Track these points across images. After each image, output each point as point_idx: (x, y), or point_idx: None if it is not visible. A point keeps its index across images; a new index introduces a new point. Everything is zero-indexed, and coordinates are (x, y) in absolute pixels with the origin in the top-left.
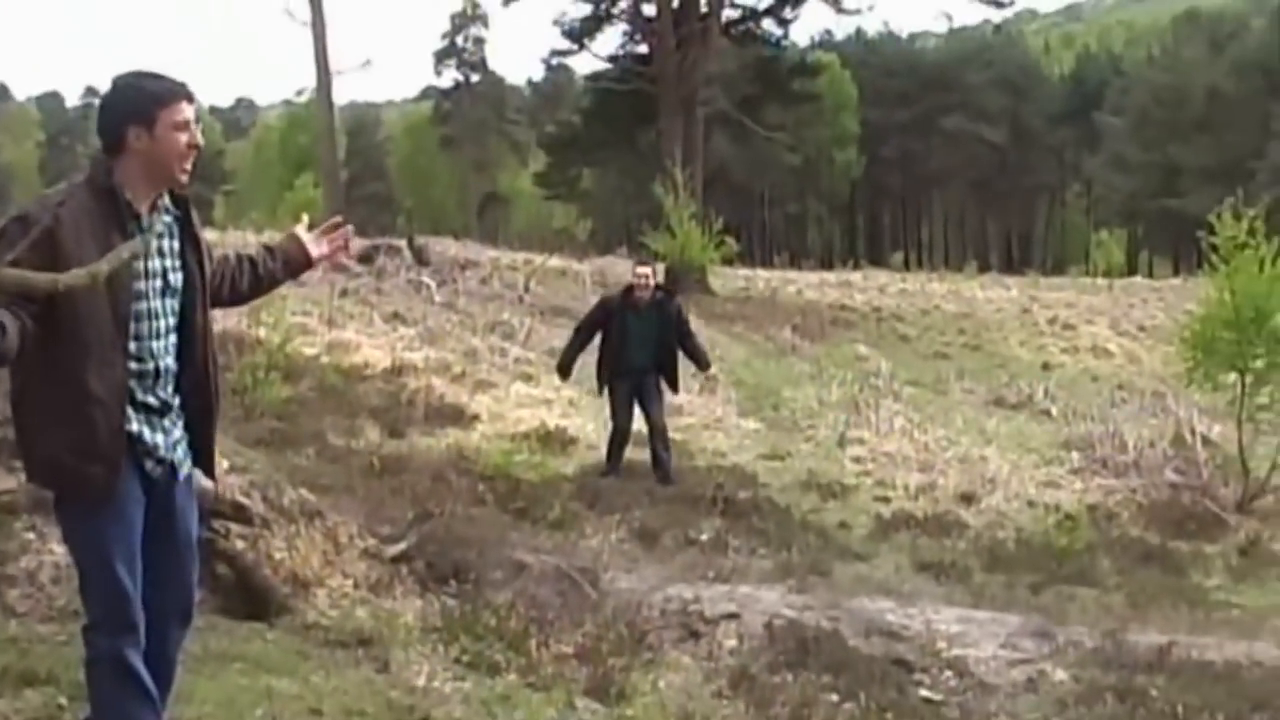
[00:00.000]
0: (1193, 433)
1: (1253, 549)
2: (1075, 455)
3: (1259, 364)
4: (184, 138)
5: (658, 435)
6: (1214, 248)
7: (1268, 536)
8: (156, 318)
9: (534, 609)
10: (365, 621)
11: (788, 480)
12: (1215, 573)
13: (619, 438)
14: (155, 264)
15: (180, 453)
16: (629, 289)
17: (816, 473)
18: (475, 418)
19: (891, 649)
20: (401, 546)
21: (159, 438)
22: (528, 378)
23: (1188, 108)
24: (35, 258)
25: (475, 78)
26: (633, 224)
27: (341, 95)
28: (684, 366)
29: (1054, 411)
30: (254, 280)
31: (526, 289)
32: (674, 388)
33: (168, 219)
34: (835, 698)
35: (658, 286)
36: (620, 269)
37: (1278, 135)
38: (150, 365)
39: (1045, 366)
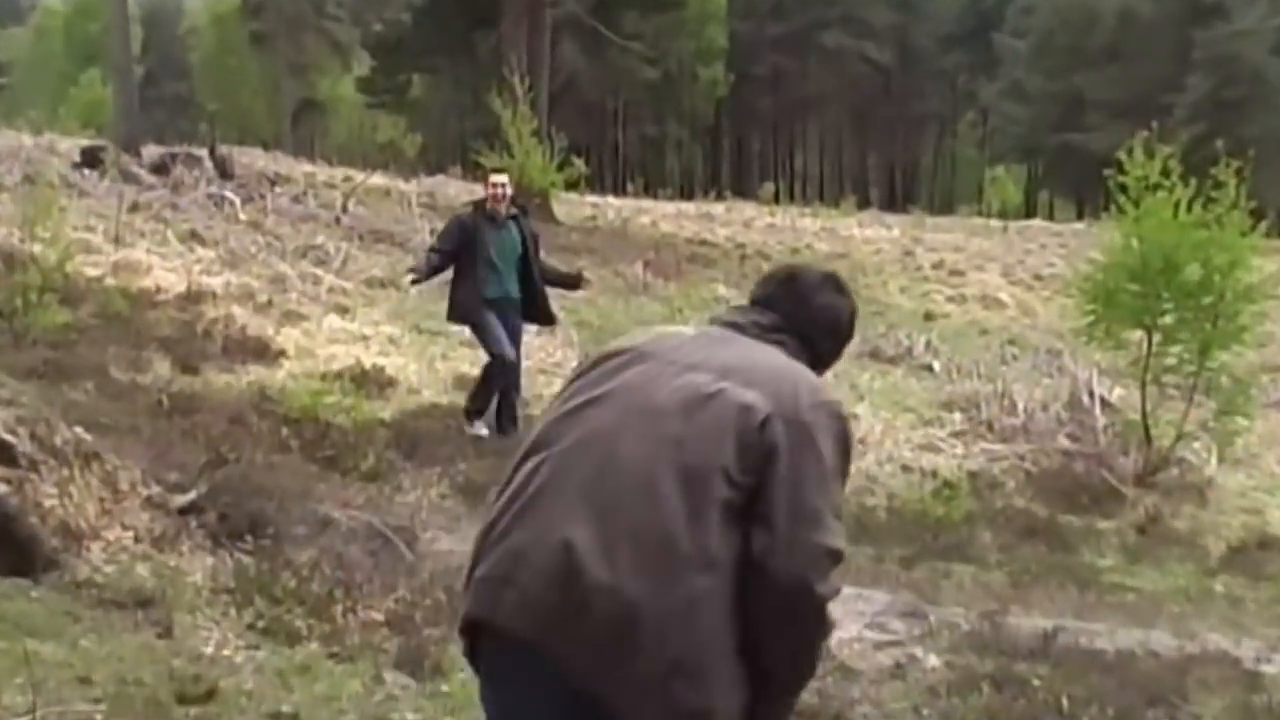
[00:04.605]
0: (1090, 395)
1: (1152, 526)
2: (958, 416)
3: (1167, 320)
4: None
5: (517, 379)
6: (1122, 189)
7: (1169, 513)
8: None
9: (340, 570)
10: (146, 580)
11: None
12: (1109, 551)
13: (501, 369)
14: None
15: None
16: (481, 202)
17: None
18: (281, 353)
19: None
20: (191, 496)
21: None
22: (343, 310)
23: (1097, 32)
24: None
25: None
26: (468, 140)
27: None
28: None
29: (936, 367)
30: None
31: (344, 210)
32: (548, 319)
33: None
34: None
35: (514, 201)
36: (452, 190)
37: (1198, 66)
38: None
39: (928, 316)
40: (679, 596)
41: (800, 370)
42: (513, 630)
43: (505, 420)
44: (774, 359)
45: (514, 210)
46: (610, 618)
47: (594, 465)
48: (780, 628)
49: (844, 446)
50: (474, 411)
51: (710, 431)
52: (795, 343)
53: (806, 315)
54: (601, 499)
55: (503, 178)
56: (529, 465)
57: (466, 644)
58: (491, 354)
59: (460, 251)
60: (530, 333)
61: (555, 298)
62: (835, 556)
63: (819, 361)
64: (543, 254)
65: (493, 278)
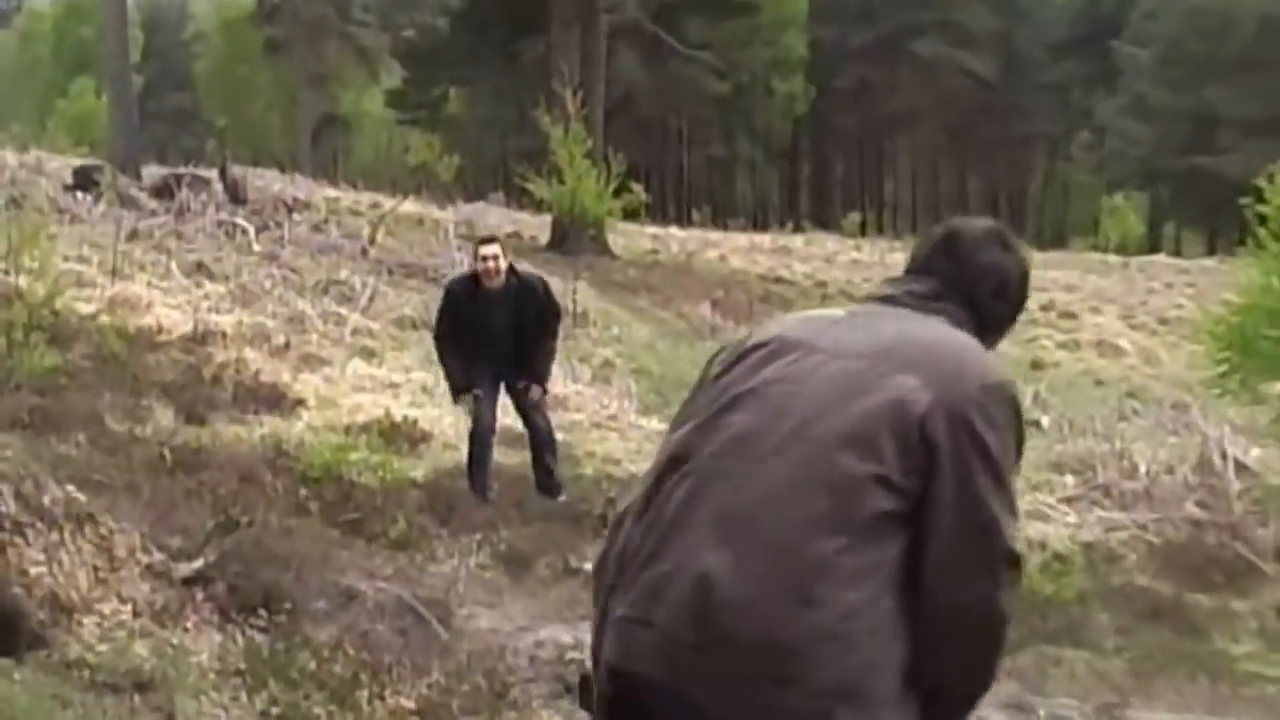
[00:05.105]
0: (1223, 456)
1: None
2: (1069, 479)
3: None
4: None
5: (540, 437)
6: (1261, 219)
7: None
8: None
9: (366, 650)
10: (145, 659)
11: None
12: (1245, 636)
13: (481, 440)
14: None
15: None
16: (474, 275)
17: None
18: (299, 402)
19: None
20: (196, 564)
21: None
22: (369, 354)
23: (1232, 39)
24: None
25: None
26: (511, 162)
27: None
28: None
29: (1045, 423)
30: None
31: (372, 240)
32: (541, 384)
33: None
34: None
35: (512, 270)
36: (493, 219)
37: None
38: None
39: (1035, 365)
40: (830, 615)
41: (965, 345)
42: (651, 675)
43: (544, 479)
44: (935, 332)
45: (514, 283)
46: (755, 648)
47: (734, 478)
48: (957, 644)
49: (1016, 431)
50: (476, 488)
51: (864, 430)
52: (959, 310)
53: (970, 277)
54: (741, 516)
55: (494, 249)
56: (669, 483)
57: (607, 690)
58: (473, 422)
59: (457, 327)
60: (581, 381)
61: (606, 343)
62: (1015, 560)
63: (988, 329)
64: (588, 296)
65: (475, 369)
